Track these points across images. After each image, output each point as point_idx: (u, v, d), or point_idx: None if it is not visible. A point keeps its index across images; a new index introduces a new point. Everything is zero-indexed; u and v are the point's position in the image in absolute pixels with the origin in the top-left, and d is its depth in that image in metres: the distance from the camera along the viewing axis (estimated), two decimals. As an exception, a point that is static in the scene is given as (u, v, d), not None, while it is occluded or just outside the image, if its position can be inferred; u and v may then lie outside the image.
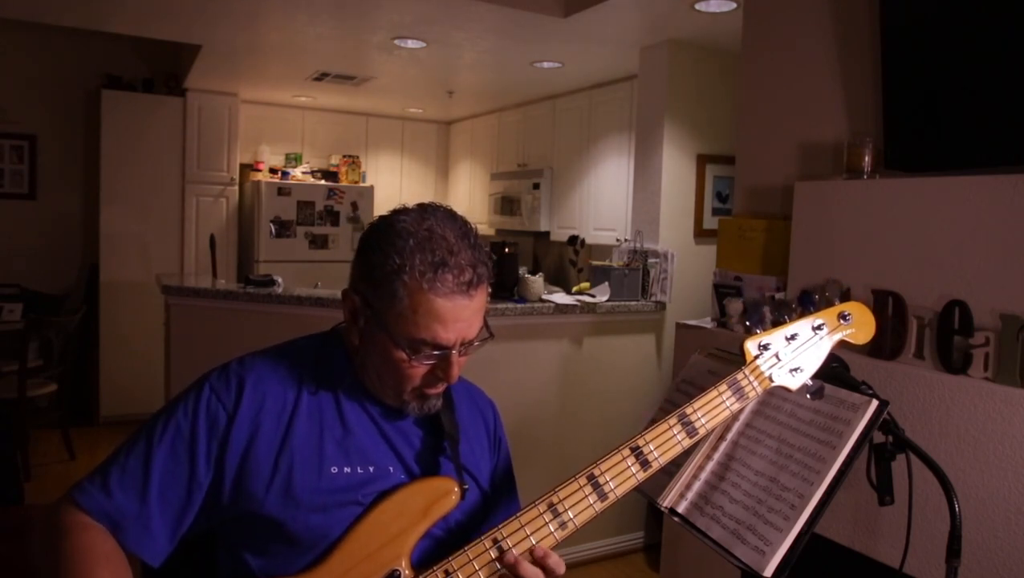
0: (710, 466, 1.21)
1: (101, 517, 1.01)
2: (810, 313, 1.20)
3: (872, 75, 1.97)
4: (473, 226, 1.08)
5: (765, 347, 1.15)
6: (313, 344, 1.16)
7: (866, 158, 1.90)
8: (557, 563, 1.00)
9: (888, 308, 1.77)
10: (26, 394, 4.13)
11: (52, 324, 4.33)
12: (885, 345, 1.76)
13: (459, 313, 1.01)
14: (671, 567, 2.49)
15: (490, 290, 1.07)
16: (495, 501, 1.20)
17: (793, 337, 1.16)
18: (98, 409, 5.21)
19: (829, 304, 1.21)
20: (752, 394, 1.13)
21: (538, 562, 0.99)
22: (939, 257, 1.69)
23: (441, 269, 0.99)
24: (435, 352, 1.03)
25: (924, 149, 1.79)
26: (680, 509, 1.19)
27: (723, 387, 1.12)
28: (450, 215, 1.06)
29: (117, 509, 1.00)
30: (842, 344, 1.20)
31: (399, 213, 1.06)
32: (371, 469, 1.07)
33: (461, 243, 1.02)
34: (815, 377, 1.17)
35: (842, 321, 1.19)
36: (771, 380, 1.14)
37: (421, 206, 1.07)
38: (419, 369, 1.05)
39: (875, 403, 1.13)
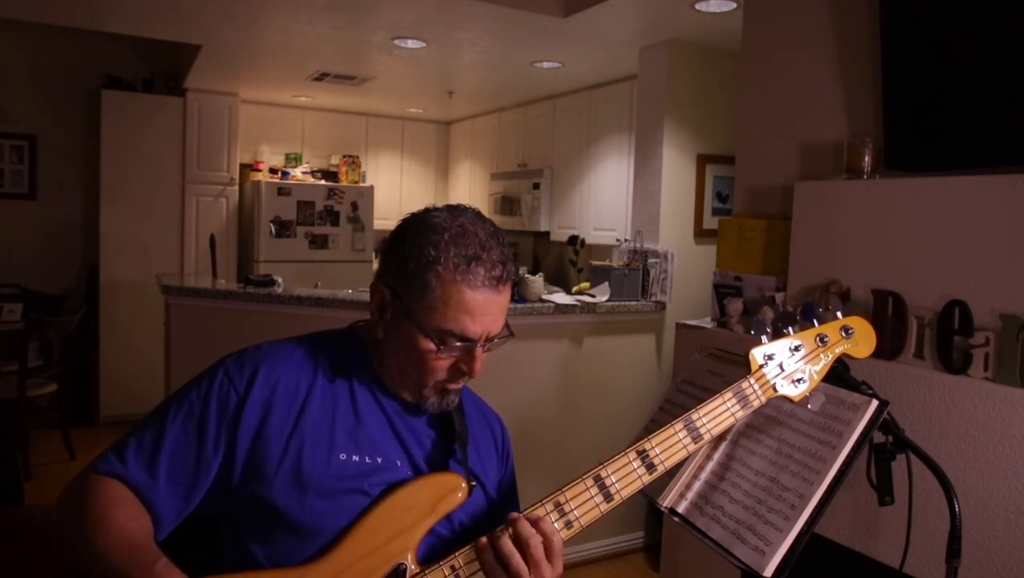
0: (710, 466, 1.21)
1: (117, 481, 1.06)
2: (813, 325, 1.21)
3: (872, 75, 1.97)
4: (498, 228, 1.12)
5: (770, 357, 1.17)
6: (331, 338, 1.19)
7: (866, 158, 1.90)
8: (552, 531, 0.99)
9: (888, 308, 1.77)
10: (26, 394, 4.13)
11: (52, 324, 4.33)
12: (885, 345, 1.76)
13: (487, 307, 1.05)
14: (671, 567, 2.49)
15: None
16: (500, 514, 1.20)
17: (797, 348, 1.18)
18: (98, 409, 5.21)
19: (832, 317, 1.23)
20: (756, 403, 1.15)
21: (533, 525, 0.99)
22: (939, 257, 1.69)
23: (474, 262, 1.04)
24: (460, 344, 1.06)
25: (924, 149, 1.79)
26: (680, 509, 1.19)
27: (728, 395, 1.13)
28: (479, 215, 1.11)
29: (131, 478, 1.05)
30: (843, 356, 1.22)
31: (431, 211, 1.10)
32: (379, 460, 1.08)
33: (491, 240, 1.07)
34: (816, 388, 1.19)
35: (844, 335, 1.21)
36: (775, 389, 1.16)
37: (451, 206, 1.11)
38: (444, 361, 1.07)
39: (875, 403, 1.14)
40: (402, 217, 1.12)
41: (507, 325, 1.11)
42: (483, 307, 1.05)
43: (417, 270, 1.04)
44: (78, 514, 1.03)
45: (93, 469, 1.07)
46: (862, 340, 1.22)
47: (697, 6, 3.01)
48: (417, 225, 1.08)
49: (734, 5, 2.96)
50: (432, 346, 1.05)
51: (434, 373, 1.08)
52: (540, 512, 1.02)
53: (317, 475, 1.04)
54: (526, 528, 0.98)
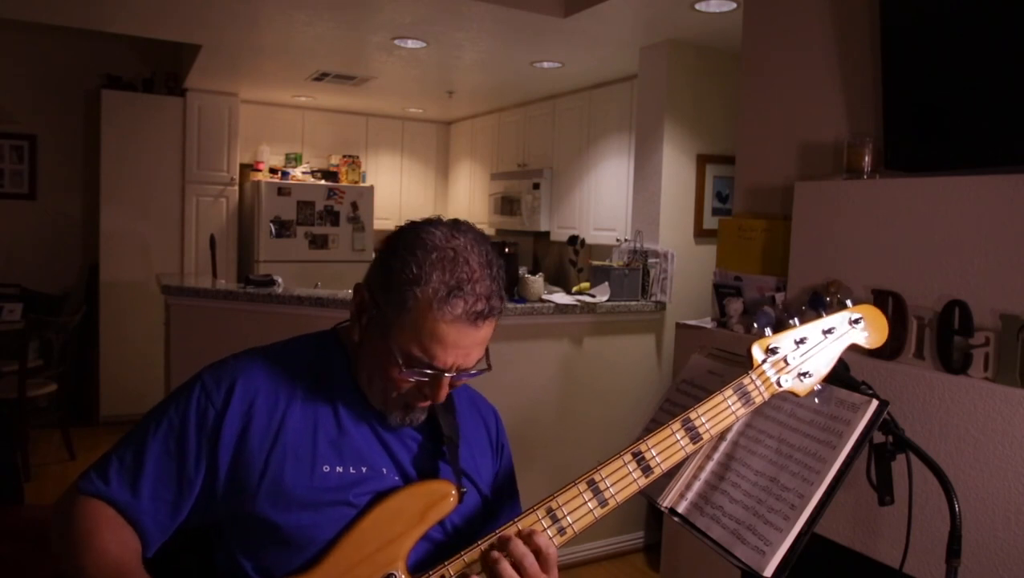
0: (710, 466, 1.21)
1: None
2: (819, 315, 1.16)
3: (872, 75, 1.97)
4: (497, 256, 1.05)
5: (773, 351, 1.12)
6: (312, 343, 1.16)
7: (866, 158, 1.90)
8: (547, 544, 0.98)
9: (888, 308, 1.77)
10: (26, 394, 4.13)
11: (52, 324, 4.33)
12: (885, 345, 1.76)
13: (461, 340, 1.00)
14: (671, 567, 2.49)
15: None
16: (497, 507, 1.19)
17: (802, 341, 1.13)
18: (98, 409, 5.21)
19: (839, 306, 1.18)
20: (759, 400, 1.11)
21: (525, 541, 0.98)
22: (939, 257, 1.69)
23: (455, 293, 0.98)
24: (428, 371, 1.01)
25: (924, 149, 1.79)
26: (680, 509, 1.19)
27: (729, 392, 1.10)
28: (480, 239, 1.04)
29: (114, 497, 1.03)
30: (852, 347, 1.17)
31: (430, 224, 1.04)
32: (364, 469, 1.06)
33: (483, 272, 1.00)
34: (823, 382, 1.15)
35: (853, 325, 1.16)
36: (778, 385, 1.12)
37: (454, 222, 1.05)
38: (407, 383, 1.04)
39: (875, 403, 1.13)
40: (405, 220, 1.08)
41: (487, 356, 1.06)
42: (456, 340, 0.99)
43: (398, 284, 0.99)
44: (64, 537, 1.01)
45: (76, 490, 1.05)
46: (873, 329, 1.16)
47: (697, 6, 3.00)
48: (411, 236, 1.02)
49: (734, 5, 2.96)
50: (396, 366, 1.01)
51: (398, 388, 1.05)
52: (531, 519, 1.00)
53: (300, 488, 1.02)
54: (519, 547, 0.96)
